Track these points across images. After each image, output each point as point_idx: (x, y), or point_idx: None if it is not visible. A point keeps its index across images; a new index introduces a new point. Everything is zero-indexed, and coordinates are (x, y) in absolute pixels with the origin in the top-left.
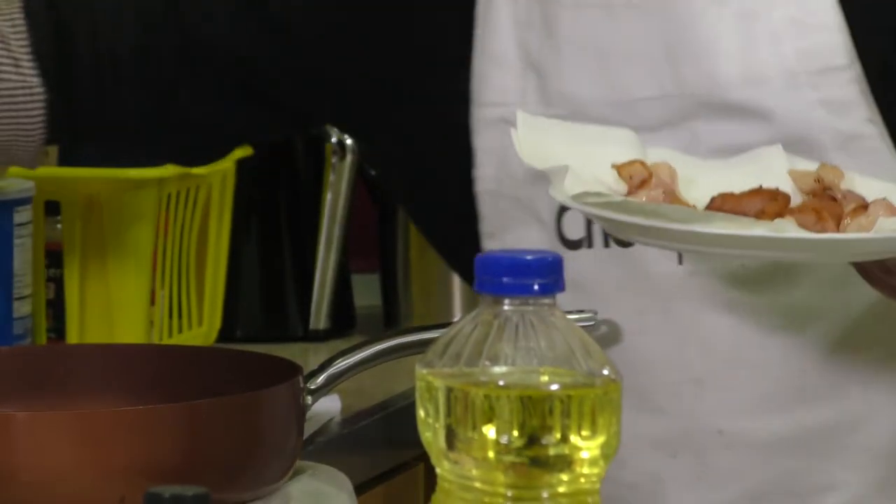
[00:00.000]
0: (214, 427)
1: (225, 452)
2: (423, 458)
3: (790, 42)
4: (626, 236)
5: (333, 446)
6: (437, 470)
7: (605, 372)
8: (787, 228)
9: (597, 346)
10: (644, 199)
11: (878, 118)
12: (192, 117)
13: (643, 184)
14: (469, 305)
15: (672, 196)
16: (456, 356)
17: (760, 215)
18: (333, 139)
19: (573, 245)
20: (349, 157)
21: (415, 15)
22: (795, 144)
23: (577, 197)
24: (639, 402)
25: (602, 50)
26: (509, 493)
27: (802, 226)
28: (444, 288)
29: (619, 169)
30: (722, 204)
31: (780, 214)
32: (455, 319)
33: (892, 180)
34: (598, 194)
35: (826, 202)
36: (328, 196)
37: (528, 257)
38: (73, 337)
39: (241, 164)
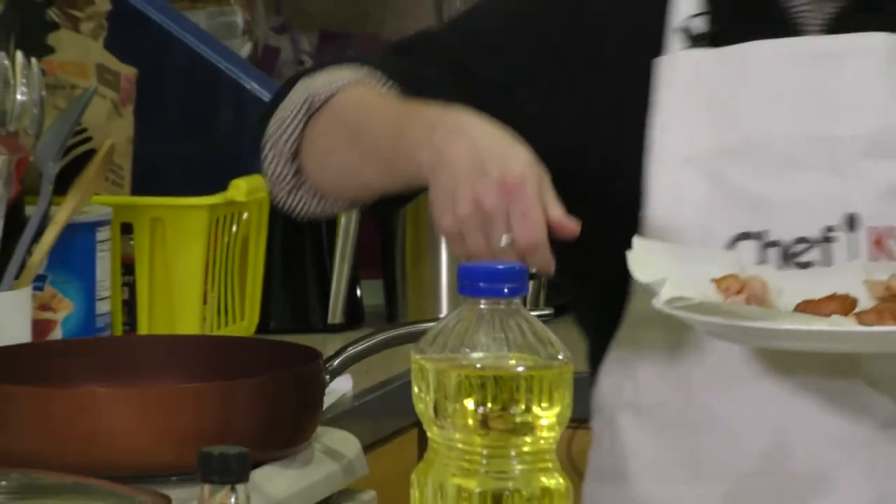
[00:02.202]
0: (252, 400)
1: (260, 420)
2: (417, 424)
3: None
4: (711, 335)
5: (346, 415)
6: (428, 434)
7: (560, 357)
8: (844, 324)
9: (554, 336)
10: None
11: None
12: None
13: (737, 294)
14: (454, 304)
15: (761, 303)
16: (443, 345)
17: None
18: None
19: None
20: None
21: (602, 79)
22: None
23: (668, 302)
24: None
25: (790, 94)
26: (484, 452)
27: (863, 323)
28: (434, 291)
29: (717, 282)
30: (804, 308)
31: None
32: (442, 316)
33: None
34: (683, 298)
35: (890, 304)
36: (342, 219)
37: (500, 267)
38: (142, 329)
39: None
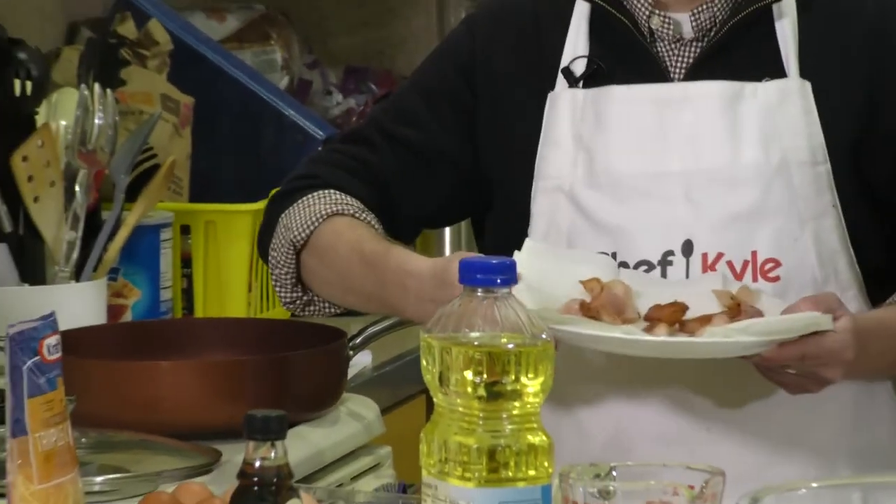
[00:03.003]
0: (289, 371)
1: (296, 388)
2: (425, 391)
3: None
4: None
5: (366, 384)
6: (434, 400)
7: (543, 336)
8: (634, 332)
9: (539, 319)
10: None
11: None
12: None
13: (599, 294)
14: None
15: (620, 304)
16: (446, 326)
17: (656, 321)
18: None
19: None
20: None
21: (504, 122)
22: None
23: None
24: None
25: (641, 132)
26: (481, 415)
27: (684, 329)
28: None
29: (583, 283)
30: (651, 313)
31: (675, 321)
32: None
33: (840, 257)
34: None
35: (719, 315)
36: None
37: (494, 262)
38: (198, 313)
39: None
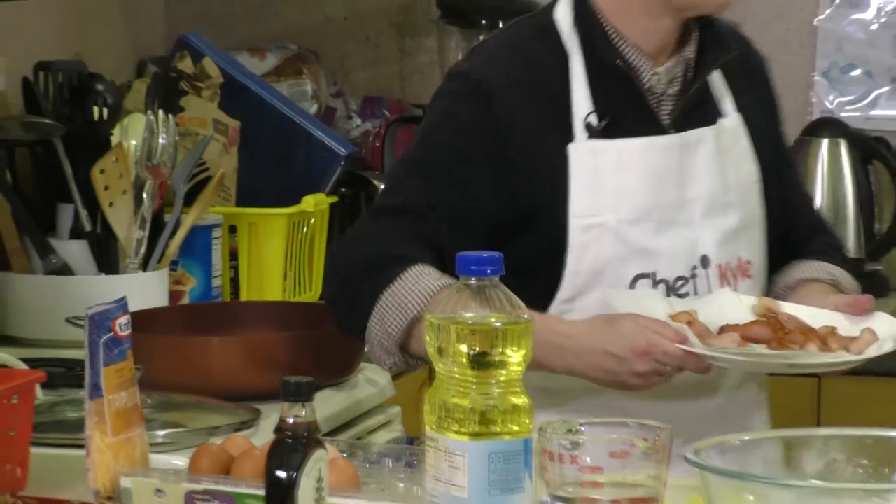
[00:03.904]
0: (317, 345)
1: (322, 359)
2: (428, 361)
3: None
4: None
5: None
6: (435, 368)
7: (525, 316)
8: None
9: (520, 301)
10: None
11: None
12: None
13: (689, 324)
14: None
15: (698, 327)
16: (445, 308)
17: (770, 342)
18: (379, 191)
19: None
20: None
21: (531, 173)
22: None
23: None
24: None
25: (657, 173)
26: (473, 381)
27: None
28: None
29: (672, 317)
30: (731, 330)
31: (782, 340)
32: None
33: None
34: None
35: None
36: None
37: (485, 255)
38: (243, 297)
39: (332, 206)
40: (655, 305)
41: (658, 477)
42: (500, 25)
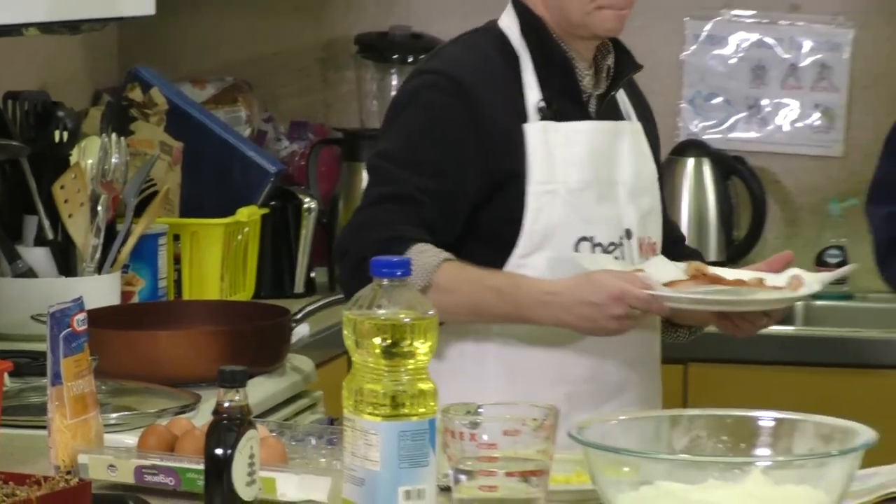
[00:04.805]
0: (250, 338)
1: (255, 350)
2: (346, 352)
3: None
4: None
5: (305, 347)
6: (353, 358)
7: (431, 312)
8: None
9: (426, 300)
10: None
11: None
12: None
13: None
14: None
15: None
16: (361, 305)
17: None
18: (304, 205)
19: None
20: (313, 214)
21: (497, 150)
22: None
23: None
24: None
25: (596, 154)
26: (385, 369)
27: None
28: None
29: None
30: (672, 285)
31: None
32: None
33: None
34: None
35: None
36: (303, 231)
37: (395, 260)
38: (185, 296)
39: (264, 217)
40: (612, 266)
41: (546, 451)
42: (409, 60)
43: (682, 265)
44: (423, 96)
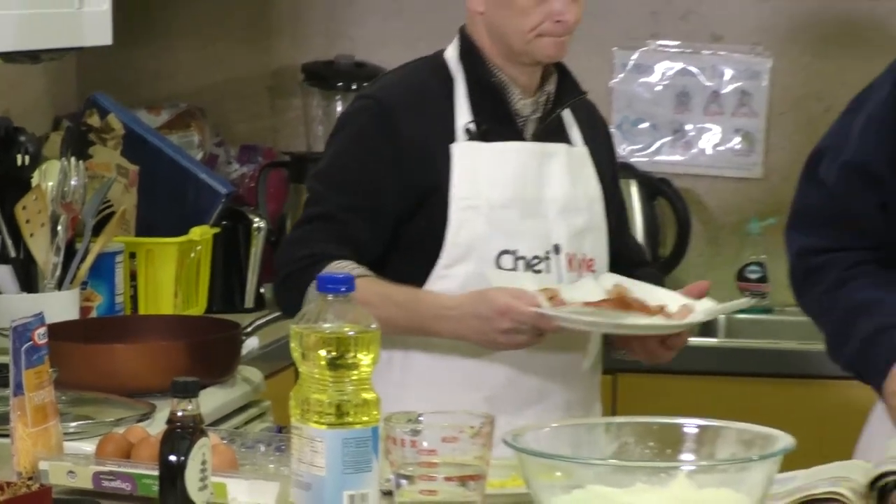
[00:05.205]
0: (202, 351)
1: (207, 361)
2: (293, 364)
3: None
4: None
5: (255, 359)
6: (300, 369)
7: (373, 326)
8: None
9: (368, 314)
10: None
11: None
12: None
13: (552, 298)
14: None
15: (562, 302)
16: (308, 319)
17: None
18: (254, 224)
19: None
20: (262, 232)
21: (423, 168)
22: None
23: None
24: None
25: (524, 173)
26: (330, 380)
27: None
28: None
29: (539, 291)
30: (586, 305)
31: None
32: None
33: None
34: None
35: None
36: (252, 249)
37: (339, 276)
38: (141, 311)
39: (215, 236)
40: (527, 283)
41: (483, 458)
42: (353, 87)
43: (609, 287)
44: (353, 121)
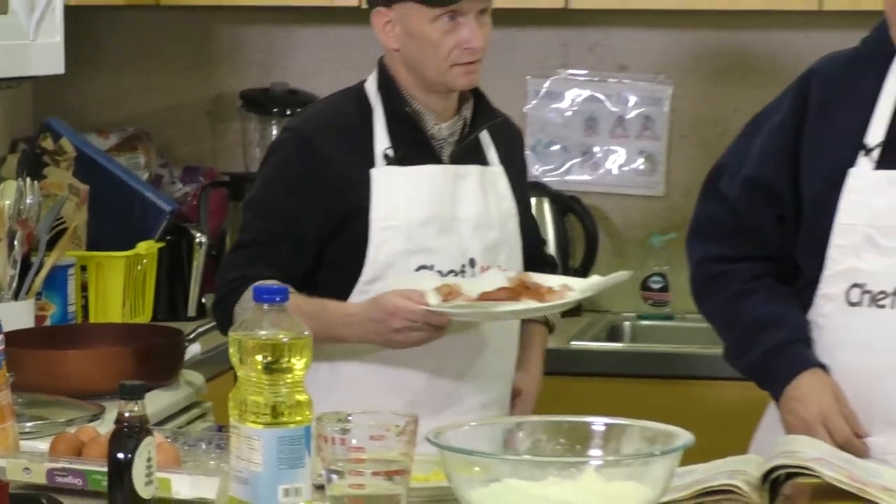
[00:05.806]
0: (148, 356)
1: (152, 366)
2: (232, 368)
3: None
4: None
5: (197, 363)
6: (238, 373)
7: (306, 333)
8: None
9: (301, 322)
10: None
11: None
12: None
13: (449, 293)
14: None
15: (459, 295)
16: (245, 327)
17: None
18: (196, 239)
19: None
20: (204, 247)
21: (343, 192)
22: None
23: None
24: None
25: (439, 193)
26: (266, 383)
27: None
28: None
29: (436, 288)
30: (484, 297)
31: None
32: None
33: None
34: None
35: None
36: (195, 262)
37: (275, 286)
38: (92, 319)
39: (160, 250)
40: (427, 283)
41: (407, 454)
42: (287, 113)
43: (510, 275)
44: (278, 152)
